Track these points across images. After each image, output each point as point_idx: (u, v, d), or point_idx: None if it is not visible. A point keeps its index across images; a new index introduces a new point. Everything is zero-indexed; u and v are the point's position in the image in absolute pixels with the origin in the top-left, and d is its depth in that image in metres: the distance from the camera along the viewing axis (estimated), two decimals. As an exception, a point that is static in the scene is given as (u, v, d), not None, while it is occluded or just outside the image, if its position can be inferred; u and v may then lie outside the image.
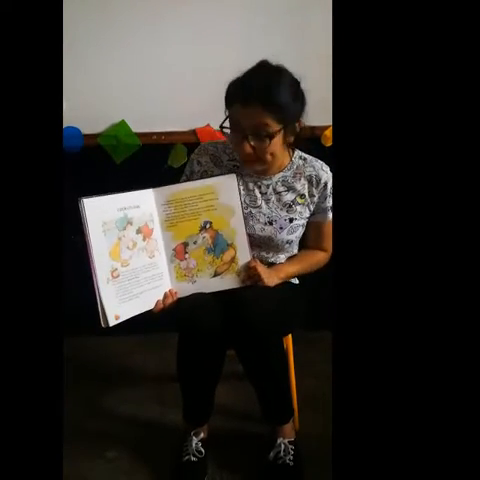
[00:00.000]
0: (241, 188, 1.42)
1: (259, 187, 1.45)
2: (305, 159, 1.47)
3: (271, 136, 1.29)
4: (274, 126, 1.28)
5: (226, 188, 1.39)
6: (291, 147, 1.46)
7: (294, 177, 1.45)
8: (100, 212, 1.29)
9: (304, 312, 1.51)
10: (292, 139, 1.39)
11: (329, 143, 1.97)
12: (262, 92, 1.25)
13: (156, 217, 1.40)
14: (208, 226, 1.40)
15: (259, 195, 1.45)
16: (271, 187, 1.44)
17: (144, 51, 1.92)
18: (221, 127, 1.35)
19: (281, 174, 1.45)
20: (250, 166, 1.40)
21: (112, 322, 1.28)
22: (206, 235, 1.40)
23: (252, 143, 1.31)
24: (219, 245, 1.40)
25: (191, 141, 1.99)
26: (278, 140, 1.32)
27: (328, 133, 1.97)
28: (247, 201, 1.44)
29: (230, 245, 1.40)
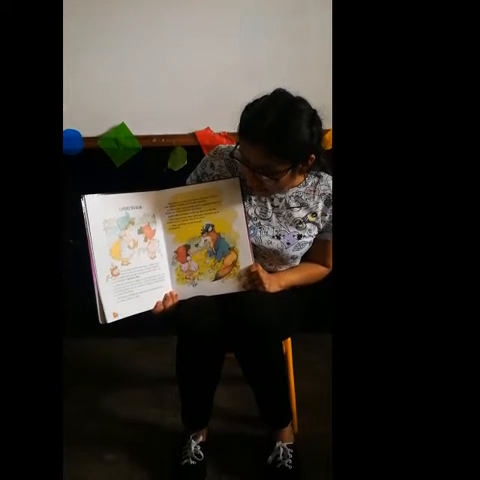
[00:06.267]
0: (253, 198, 1.43)
1: (272, 200, 1.43)
2: (320, 176, 1.43)
3: (277, 177, 1.29)
4: (281, 166, 1.27)
5: (229, 192, 1.39)
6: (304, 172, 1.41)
7: (308, 194, 1.42)
8: (102, 210, 1.31)
9: (303, 315, 1.51)
10: (304, 171, 1.37)
11: (329, 147, 1.97)
12: (269, 134, 1.22)
13: (158, 219, 1.41)
14: (210, 229, 1.40)
15: (270, 208, 1.43)
16: (284, 201, 1.42)
17: (144, 54, 1.93)
18: (231, 155, 1.36)
19: (295, 189, 1.42)
20: (258, 192, 1.41)
21: (110, 319, 1.29)
22: (208, 238, 1.40)
23: (258, 177, 1.30)
24: (221, 248, 1.40)
25: (191, 144, 2.00)
26: (286, 177, 1.31)
27: (328, 137, 1.97)
28: (257, 212, 1.43)
29: (232, 249, 1.39)
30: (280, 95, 1.28)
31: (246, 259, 1.39)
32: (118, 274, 1.32)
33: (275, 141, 1.22)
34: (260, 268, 1.38)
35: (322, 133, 1.33)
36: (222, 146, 1.49)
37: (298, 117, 1.25)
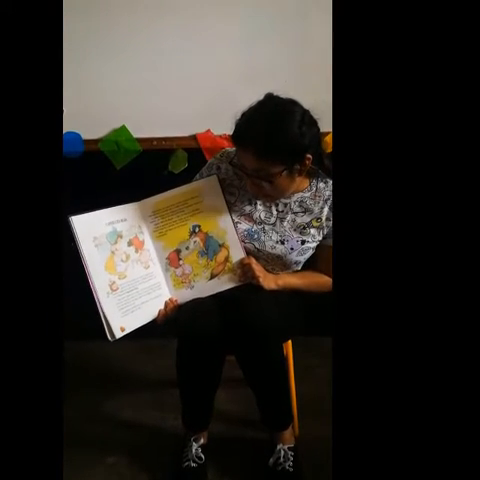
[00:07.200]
0: (258, 203, 1.43)
1: (276, 205, 1.43)
2: (326, 182, 1.43)
3: (272, 180, 1.29)
4: (274, 169, 1.27)
5: (209, 189, 1.40)
6: (306, 175, 1.40)
7: (313, 199, 1.42)
8: (89, 227, 1.30)
9: (304, 317, 1.50)
10: (302, 172, 1.35)
11: (329, 149, 1.97)
12: (258, 139, 1.23)
13: (145, 229, 1.41)
14: (197, 230, 1.41)
15: (275, 212, 1.43)
16: (288, 206, 1.42)
17: (145, 56, 1.93)
18: (231, 163, 1.38)
19: (300, 194, 1.42)
20: (261, 198, 1.41)
21: (118, 334, 1.30)
22: (197, 239, 1.41)
23: (256, 182, 1.31)
24: (211, 247, 1.40)
25: (192, 146, 2.00)
26: (282, 179, 1.30)
27: (328, 139, 1.97)
28: (262, 217, 1.42)
29: (222, 245, 1.40)
30: (269, 99, 1.30)
31: (237, 253, 1.40)
32: (117, 289, 1.32)
33: (264, 144, 1.24)
34: (252, 260, 1.38)
35: (317, 133, 1.32)
36: (229, 149, 1.49)
37: (286, 119, 1.25)
